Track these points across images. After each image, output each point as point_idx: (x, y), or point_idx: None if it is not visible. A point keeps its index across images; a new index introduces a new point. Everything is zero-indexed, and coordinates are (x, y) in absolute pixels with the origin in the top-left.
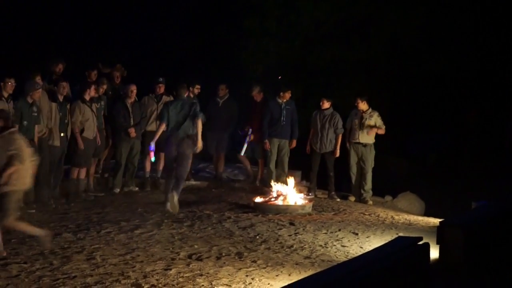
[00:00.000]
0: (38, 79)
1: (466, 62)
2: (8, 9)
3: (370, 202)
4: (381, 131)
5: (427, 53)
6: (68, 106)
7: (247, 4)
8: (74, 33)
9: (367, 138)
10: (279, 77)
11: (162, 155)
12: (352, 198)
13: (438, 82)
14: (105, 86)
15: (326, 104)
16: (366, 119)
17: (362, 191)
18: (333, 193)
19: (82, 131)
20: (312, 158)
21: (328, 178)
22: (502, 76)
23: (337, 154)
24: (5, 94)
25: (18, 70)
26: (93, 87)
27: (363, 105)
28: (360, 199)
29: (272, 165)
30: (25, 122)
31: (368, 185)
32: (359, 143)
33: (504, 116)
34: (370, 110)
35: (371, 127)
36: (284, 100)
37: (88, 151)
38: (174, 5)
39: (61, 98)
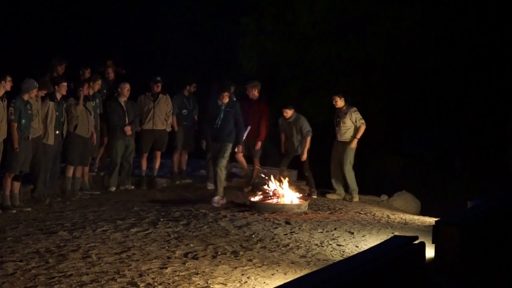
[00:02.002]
0: (48, 82)
1: (464, 59)
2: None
3: (356, 199)
4: (360, 132)
5: (424, 51)
6: (64, 105)
7: (243, 2)
8: (69, 31)
9: (345, 136)
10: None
11: (158, 153)
12: (333, 196)
13: (435, 79)
14: (99, 82)
15: (289, 113)
16: (341, 117)
17: (348, 192)
18: (313, 189)
19: (75, 128)
20: (284, 156)
21: (306, 178)
22: (501, 74)
23: (304, 158)
24: (1, 93)
25: (12, 69)
26: (86, 85)
27: (341, 102)
28: (349, 199)
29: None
30: (23, 121)
31: (352, 185)
32: (338, 141)
33: (503, 114)
34: (346, 107)
35: (349, 130)
36: (225, 102)
37: (84, 149)
38: (170, 2)
39: (59, 97)
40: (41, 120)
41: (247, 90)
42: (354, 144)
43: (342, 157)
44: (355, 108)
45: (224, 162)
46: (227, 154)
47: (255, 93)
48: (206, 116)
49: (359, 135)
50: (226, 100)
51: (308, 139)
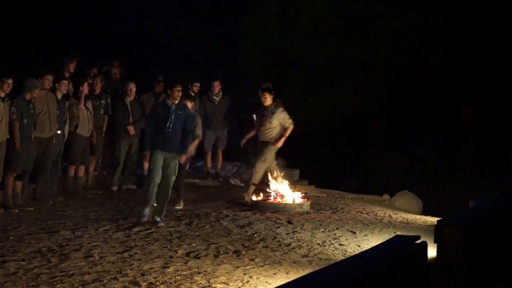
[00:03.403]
0: (49, 78)
1: (465, 59)
2: (5, 6)
3: (248, 199)
4: (288, 132)
5: (426, 51)
6: (66, 104)
7: (246, 2)
8: (72, 31)
9: (269, 136)
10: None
11: None
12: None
13: (437, 79)
14: (98, 80)
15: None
16: (267, 117)
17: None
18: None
19: (75, 127)
20: None
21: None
22: (502, 73)
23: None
24: (1, 94)
25: (15, 69)
26: (85, 84)
27: (270, 100)
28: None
29: (154, 186)
30: (25, 120)
31: (254, 181)
32: (262, 141)
33: (504, 114)
34: (273, 106)
35: (280, 136)
36: (175, 102)
37: (85, 148)
38: (173, 2)
39: (60, 95)
40: (53, 120)
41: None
42: (280, 143)
43: (260, 153)
44: (283, 108)
45: (173, 179)
46: (176, 170)
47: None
48: (149, 119)
49: (287, 134)
50: (177, 100)
51: (196, 143)
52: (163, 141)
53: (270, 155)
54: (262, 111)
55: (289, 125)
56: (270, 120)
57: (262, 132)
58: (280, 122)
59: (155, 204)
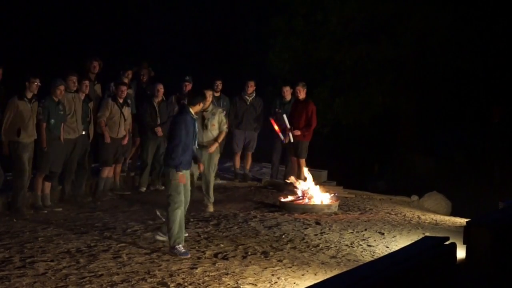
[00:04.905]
0: (73, 79)
1: (495, 57)
2: (37, 9)
3: (211, 209)
4: (222, 136)
5: (455, 51)
6: (90, 105)
7: (274, 3)
8: (100, 32)
9: (211, 138)
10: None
11: None
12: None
13: (466, 79)
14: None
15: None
16: (209, 119)
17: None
18: None
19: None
20: None
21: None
22: None
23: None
24: (29, 95)
25: (44, 70)
26: (124, 88)
27: (210, 101)
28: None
29: (182, 219)
30: (52, 121)
31: (211, 193)
32: (203, 146)
33: None
34: (212, 106)
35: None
36: (196, 117)
37: (117, 149)
38: (202, 3)
39: (82, 96)
40: (80, 121)
41: (296, 91)
42: (213, 148)
43: (209, 162)
44: (222, 109)
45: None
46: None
47: (303, 93)
48: (181, 133)
49: (221, 139)
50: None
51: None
52: (188, 159)
53: (217, 160)
54: (201, 113)
55: (225, 129)
56: (213, 122)
57: (205, 135)
58: (218, 123)
59: (186, 234)
